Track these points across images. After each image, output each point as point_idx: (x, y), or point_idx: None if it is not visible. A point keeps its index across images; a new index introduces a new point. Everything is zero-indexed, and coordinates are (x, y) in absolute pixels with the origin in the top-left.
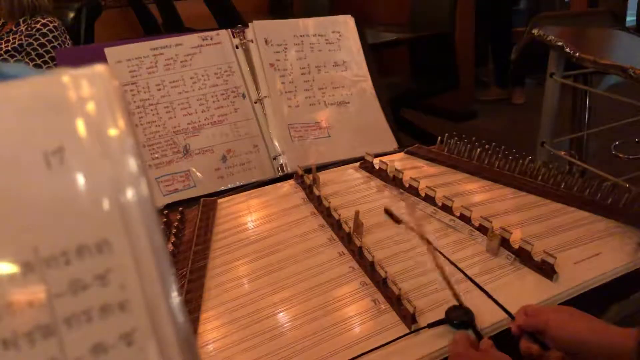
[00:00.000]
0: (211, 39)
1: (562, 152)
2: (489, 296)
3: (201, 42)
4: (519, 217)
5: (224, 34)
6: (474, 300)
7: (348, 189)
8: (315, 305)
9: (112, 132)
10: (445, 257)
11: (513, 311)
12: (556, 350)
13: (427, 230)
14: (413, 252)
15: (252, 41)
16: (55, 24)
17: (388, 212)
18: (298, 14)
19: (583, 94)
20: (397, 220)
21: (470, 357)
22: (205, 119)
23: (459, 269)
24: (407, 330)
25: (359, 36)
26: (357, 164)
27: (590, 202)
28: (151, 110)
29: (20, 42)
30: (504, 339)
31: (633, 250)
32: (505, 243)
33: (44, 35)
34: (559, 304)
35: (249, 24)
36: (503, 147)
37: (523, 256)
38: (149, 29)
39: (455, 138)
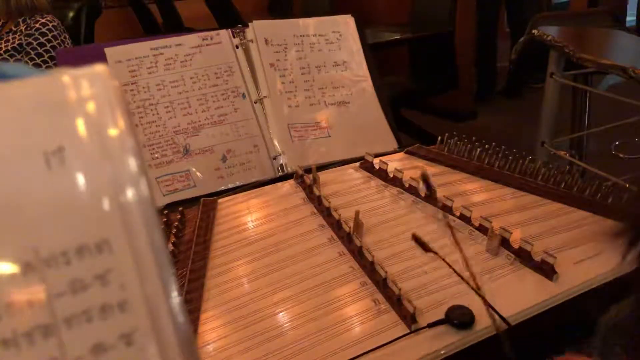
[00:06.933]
0: (211, 39)
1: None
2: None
3: (201, 42)
4: (519, 217)
5: (224, 34)
6: (472, 301)
7: (348, 189)
8: (315, 305)
9: (112, 132)
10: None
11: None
12: None
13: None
14: (413, 252)
15: (252, 41)
16: (55, 24)
17: (416, 239)
18: (298, 14)
19: (583, 94)
20: (426, 249)
21: None
22: (205, 119)
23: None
24: (407, 330)
25: (359, 36)
26: (357, 164)
27: (590, 202)
28: (151, 110)
29: (19, 41)
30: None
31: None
32: (505, 243)
33: (43, 34)
34: (559, 304)
35: (249, 24)
36: (503, 147)
37: (523, 256)
38: (149, 29)
39: (455, 138)
